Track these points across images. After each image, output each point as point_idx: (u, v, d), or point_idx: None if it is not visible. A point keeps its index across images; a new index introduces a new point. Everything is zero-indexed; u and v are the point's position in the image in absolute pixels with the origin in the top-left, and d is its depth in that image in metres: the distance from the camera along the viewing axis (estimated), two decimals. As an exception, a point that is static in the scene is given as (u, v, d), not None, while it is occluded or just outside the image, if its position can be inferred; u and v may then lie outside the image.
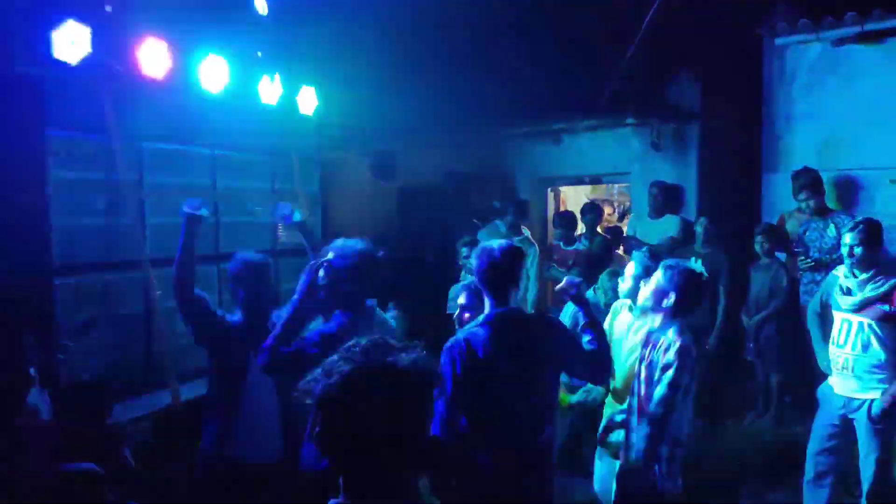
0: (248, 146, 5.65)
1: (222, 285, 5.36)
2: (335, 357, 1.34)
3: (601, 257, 6.38)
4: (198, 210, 3.22)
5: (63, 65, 3.82)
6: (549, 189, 8.17)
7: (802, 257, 5.14)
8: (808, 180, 5.24)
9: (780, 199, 5.93)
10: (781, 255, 5.52)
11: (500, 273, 2.66)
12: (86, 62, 3.89)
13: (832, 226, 5.08)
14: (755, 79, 6.15)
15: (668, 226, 6.26)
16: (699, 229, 5.75)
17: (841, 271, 3.84)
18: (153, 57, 4.26)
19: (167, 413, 4.35)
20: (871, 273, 3.66)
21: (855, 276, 3.71)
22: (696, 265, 3.34)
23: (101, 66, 4.02)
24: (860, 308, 3.67)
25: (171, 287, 3.32)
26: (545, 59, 7.13)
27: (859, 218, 3.87)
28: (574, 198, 9.58)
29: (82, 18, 3.86)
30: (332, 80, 5.86)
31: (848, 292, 3.75)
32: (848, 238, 3.70)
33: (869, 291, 3.65)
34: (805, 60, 5.86)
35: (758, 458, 4.76)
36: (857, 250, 3.65)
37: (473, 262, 2.74)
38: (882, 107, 5.49)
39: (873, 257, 3.68)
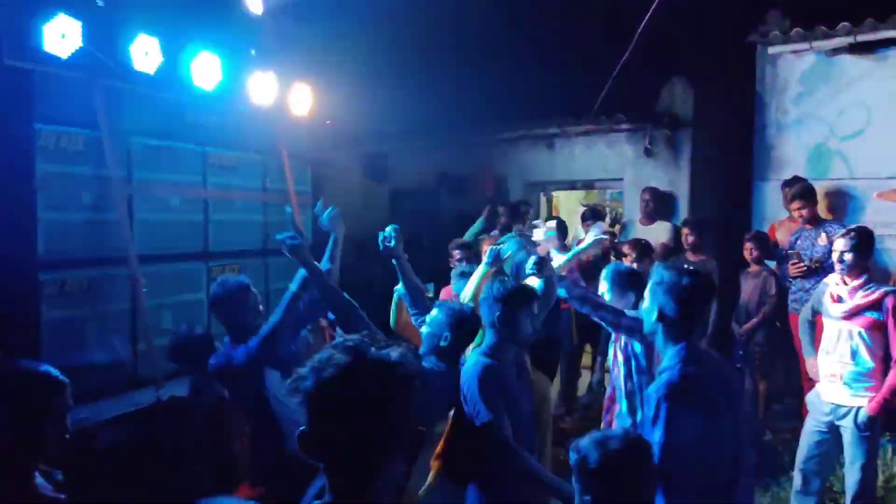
0: (239, 144, 5.62)
1: (211, 284, 5.32)
2: (324, 354, 1.33)
3: (596, 264, 6.36)
4: (294, 240, 3.16)
5: (53, 59, 3.79)
6: (541, 193, 8.17)
7: (796, 260, 5.13)
8: (801, 189, 5.24)
9: (772, 208, 5.95)
10: (770, 263, 5.52)
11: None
12: (76, 56, 3.86)
13: (823, 235, 5.08)
14: (748, 86, 6.16)
15: (660, 232, 6.26)
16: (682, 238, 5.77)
17: (832, 279, 3.84)
18: (145, 52, 4.23)
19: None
20: (861, 280, 3.66)
21: (846, 284, 3.71)
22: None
23: (91, 60, 3.99)
24: (850, 315, 3.66)
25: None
26: (539, 63, 7.14)
27: (852, 225, 3.86)
28: (567, 203, 9.59)
29: (74, 12, 3.83)
30: (326, 80, 5.84)
31: (838, 300, 3.74)
32: (839, 244, 3.70)
33: (859, 298, 3.64)
34: (798, 69, 5.87)
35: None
36: (847, 256, 3.65)
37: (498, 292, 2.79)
38: (873, 117, 5.51)
39: (863, 264, 3.69)
